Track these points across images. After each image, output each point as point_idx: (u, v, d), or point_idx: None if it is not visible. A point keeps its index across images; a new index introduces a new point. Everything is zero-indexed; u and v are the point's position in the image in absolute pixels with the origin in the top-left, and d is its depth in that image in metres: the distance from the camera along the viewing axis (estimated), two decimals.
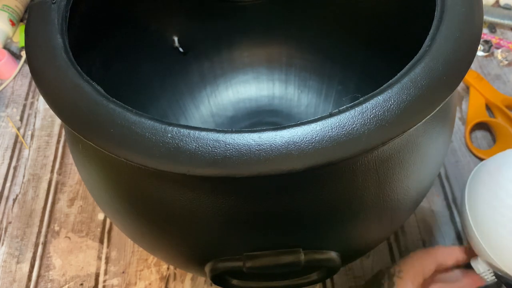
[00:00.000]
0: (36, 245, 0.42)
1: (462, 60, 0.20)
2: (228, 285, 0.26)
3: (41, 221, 0.43)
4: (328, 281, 0.38)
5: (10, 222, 0.43)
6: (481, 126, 0.47)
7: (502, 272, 0.31)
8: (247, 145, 0.18)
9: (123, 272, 0.39)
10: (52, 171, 0.46)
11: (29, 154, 0.48)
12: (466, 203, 0.33)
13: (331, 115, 0.18)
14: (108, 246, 0.41)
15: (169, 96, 0.43)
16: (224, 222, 0.22)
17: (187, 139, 0.18)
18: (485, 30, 0.55)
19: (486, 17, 0.54)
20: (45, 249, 0.41)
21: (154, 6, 0.38)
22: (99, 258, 0.40)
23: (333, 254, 0.24)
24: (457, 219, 0.41)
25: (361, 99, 0.19)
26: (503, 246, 0.30)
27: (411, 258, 0.33)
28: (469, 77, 0.49)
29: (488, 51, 0.52)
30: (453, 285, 0.33)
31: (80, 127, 0.19)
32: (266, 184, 0.21)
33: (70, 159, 0.47)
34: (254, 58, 0.46)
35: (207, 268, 0.25)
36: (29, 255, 0.41)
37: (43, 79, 0.21)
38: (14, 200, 0.45)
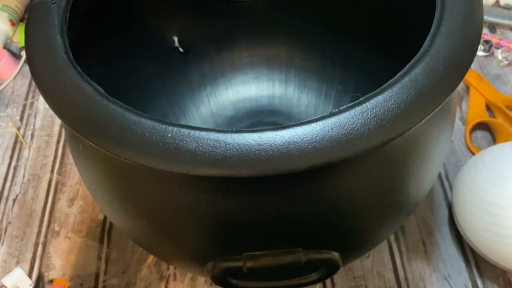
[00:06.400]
0: (36, 245, 0.41)
1: (462, 60, 0.20)
2: (228, 285, 0.26)
3: (41, 221, 0.43)
4: (328, 281, 0.38)
5: (10, 222, 0.43)
6: (481, 126, 0.47)
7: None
8: (247, 145, 0.18)
9: (123, 272, 0.39)
10: (52, 171, 0.46)
11: (29, 154, 0.48)
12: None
13: (331, 114, 0.18)
14: (108, 246, 0.41)
15: (169, 96, 0.43)
16: (224, 222, 0.22)
17: (187, 139, 0.18)
18: (485, 30, 0.55)
19: (486, 17, 0.54)
20: (45, 249, 0.41)
21: (154, 6, 0.38)
22: (99, 258, 0.40)
23: (333, 254, 0.24)
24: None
25: (362, 98, 0.19)
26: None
27: None
28: (469, 77, 0.49)
29: (488, 51, 0.52)
30: None
31: (80, 127, 0.19)
32: (266, 184, 0.21)
33: (70, 159, 0.47)
34: (254, 58, 0.46)
35: (207, 268, 0.25)
36: (29, 255, 0.41)
37: (43, 79, 0.21)
38: (14, 200, 0.44)
